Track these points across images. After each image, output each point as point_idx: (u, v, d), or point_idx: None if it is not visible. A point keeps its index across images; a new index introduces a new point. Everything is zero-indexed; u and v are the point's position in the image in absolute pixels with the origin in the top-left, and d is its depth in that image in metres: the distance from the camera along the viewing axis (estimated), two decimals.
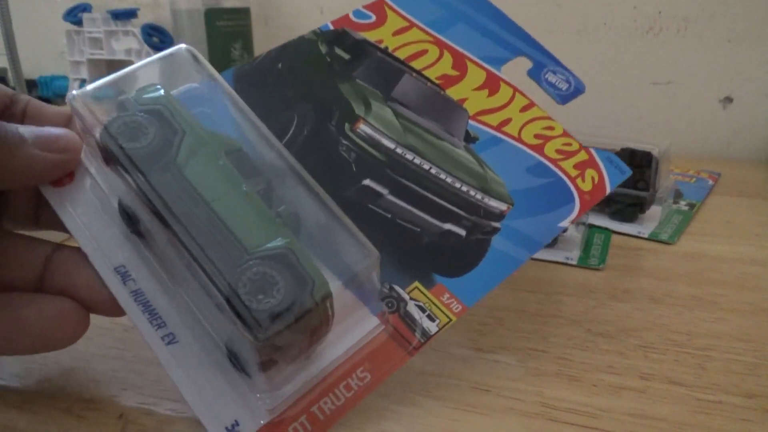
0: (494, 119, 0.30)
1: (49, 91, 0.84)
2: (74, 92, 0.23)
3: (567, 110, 0.63)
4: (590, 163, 0.29)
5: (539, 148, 0.30)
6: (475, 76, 0.31)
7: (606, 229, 0.42)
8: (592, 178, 0.29)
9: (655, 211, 0.44)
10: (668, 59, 0.62)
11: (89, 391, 0.24)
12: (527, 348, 0.28)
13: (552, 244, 0.39)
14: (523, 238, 0.27)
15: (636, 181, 0.43)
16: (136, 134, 0.21)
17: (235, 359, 0.21)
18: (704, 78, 0.62)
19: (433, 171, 0.27)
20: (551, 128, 0.30)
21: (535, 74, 0.33)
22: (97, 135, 0.22)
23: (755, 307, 0.32)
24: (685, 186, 0.52)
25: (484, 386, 0.25)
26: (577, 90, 0.32)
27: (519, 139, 0.30)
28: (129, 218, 0.23)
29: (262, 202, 0.21)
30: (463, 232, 0.27)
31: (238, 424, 0.20)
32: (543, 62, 0.33)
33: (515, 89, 0.31)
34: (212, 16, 0.60)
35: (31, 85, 0.82)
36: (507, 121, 0.30)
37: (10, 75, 0.60)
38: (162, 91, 0.23)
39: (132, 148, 0.21)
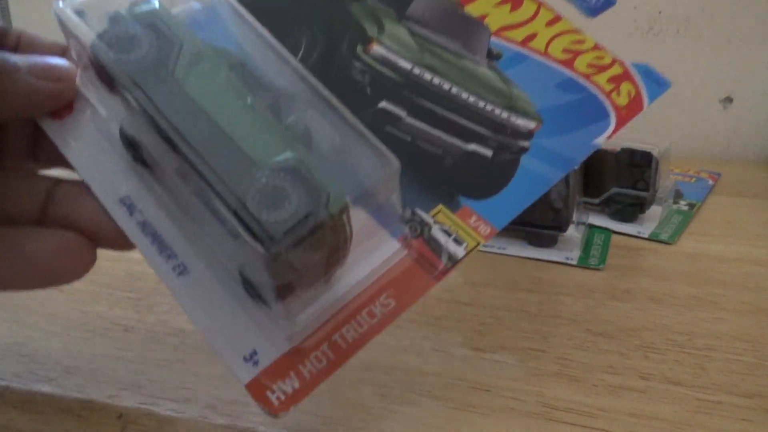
0: (518, 35, 0.28)
1: None
2: (60, 3, 0.21)
3: None
4: (625, 76, 0.28)
5: (568, 63, 0.28)
6: None
7: (606, 229, 0.42)
8: (629, 92, 0.27)
9: (655, 211, 0.44)
10: (668, 59, 0.62)
11: (89, 391, 0.24)
12: (527, 348, 0.28)
13: (552, 244, 0.39)
14: (555, 156, 0.25)
15: (636, 181, 0.43)
16: (129, 47, 0.20)
17: (250, 287, 0.20)
18: (704, 78, 0.62)
19: (453, 90, 0.26)
20: (581, 41, 0.28)
21: None
22: (89, 50, 0.20)
23: (755, 307, 0.32)
24: (685, 186, 0.52)
25: (484, 386, 0.25)
26: (608, 2, 0.30)
27: (546, 55, 0.28)
28: (131, 145, 0.22)
29: (270, 114, 0.20)
30: (489, 153, 0.25)
31: (256, 354, 0.20)
32: None
33: (540, 3, 0.29)
34: None
35: None
36: (532, 36, 0.28)
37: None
38: (157, 4, 0.22)
39: (126, 61, 0.20)
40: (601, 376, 0.26)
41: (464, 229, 0.23)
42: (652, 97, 0.27)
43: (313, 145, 0.21)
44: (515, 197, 0.24)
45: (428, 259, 0.22)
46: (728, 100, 0.63)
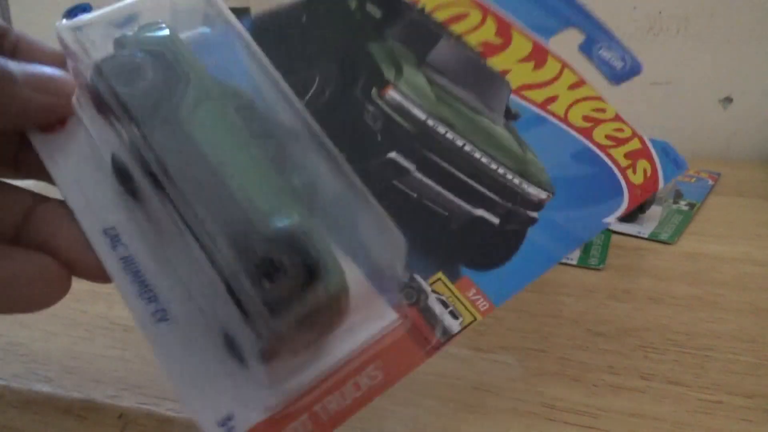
0: (539, 95, 0.27)
1: None
2: (64, 21, 0.20)
3: None
4: (643, 153, 0.27)
5: (587, 132, 0.27)
6: (521, 45, 0.28)
7: (606, 229, 0.42)
8: (644, 171, 0.26)
9: (655, 211, 0.44)
10: (668, 59, 0.62)
11: (89, 391, 0.24)
12: (527, 348, 0.28)
13: None
14: (563, 233, 0.24)
15: None
16: (133, 77, 0.19)
17: (232, 346, 0.19)
18: (704, 78, 0.62)
19: (467, 148, 0.25)
20: (602, 110, 0.27)
21: (586, 49, 0.29)
22: (88, 75, 0.19)
23: (755, 307, 0.32)
24: (685, 186, 0.52)
25: (484, 386, 0.25)
26: (633, 70, 0.29)
27: (565, 120, 0.27)
28: (122, 174, 0.21)
29: (273, 169, 0.18)
30: (496, 220, 0.25)
31: (231, 419, 0.18)
32: (596, 36, 0.29)
33: (564, 64, 0.28)
34: None
35: None
36: (553, 99, 0.27)
37: None
38: (168, 31, 0.20)
39: (127, 93, 0.18)
40: (601, 376, 0.26)
41: (462, 302, 0.22)
42: (668, 178, 0.26)
43: (316, 203, 0.19)
44: (518, 272, 0.23)
45: (422, 331, 0.21)
46: (728, 100, 0.63)
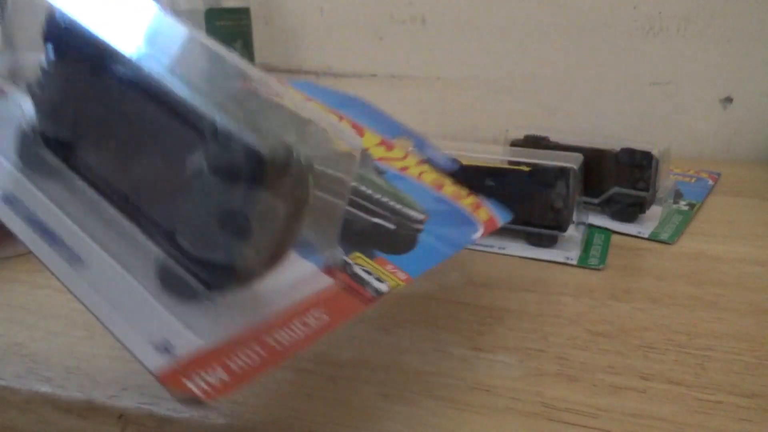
0: (395, 165, 0.34)
1: None
2: None
3: (567, 110, 0.63)
4: (480, 205, 0.33)
5: (438, 188, 0.34)
6: (372, 138, 0.36)
7: (606, 229, 0.42)
8: (485, 213, 0.33)
9: (655, 211, 0.44)
10: (668, 59, 0.62)
11: (89, 391, 0.24)
12: (527, 348, 0.28)
13: (552, 245, 0.39)
14: (446, 239, 0.29)
15: (636, 181, 0.43)
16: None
17: (171, 282, 0.19)
18: (704, 78, 0.62)
19: (361, 187, 0.29)
20: (444, 183, 0.34)
21: (419, 147, 0.38)
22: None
23: (755, 307, 0.32)
24: (685, 186, 0.52)
25: (484, 386, 0.25)
26: (453, 164, 0.38)
27: (419, 179, 0.34)
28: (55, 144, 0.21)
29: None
30: (392, 226, 0.28)
31: (171, 345, 0.18)
32: (421, 142, 0.39)
33: (407, 153, 0.36)
34: (212, 16, 0.60)
35: None
36: (406, 168, 0.34)
37: None
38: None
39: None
40: (601, 376, 0.26)
41: (383, 272, 0.25)
42: (504, 221, 0.33)
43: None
44: (424, 257, 0.27)
45: (355, 289, 0.23)
46: (728, 100, 0.63)
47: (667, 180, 0.46)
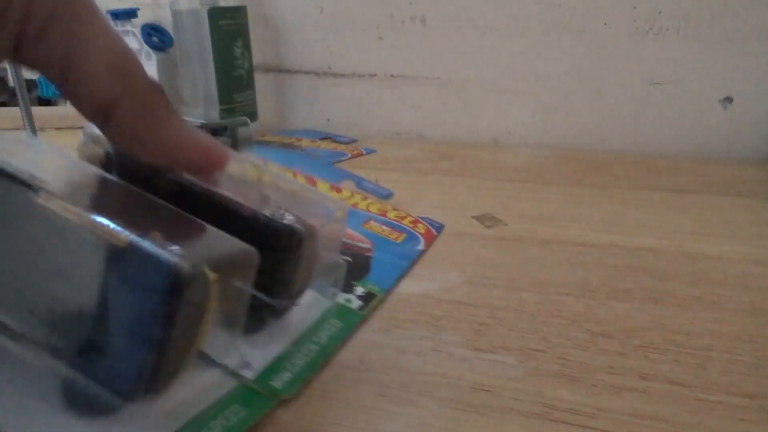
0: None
1: (49, 91, 0.84)
2: None
3: (566, 111, 0.63)
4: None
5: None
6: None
7: None
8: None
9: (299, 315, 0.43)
10: (668, 59, 0.62)
11: None
12: (527, 348, 0.28)
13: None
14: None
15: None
16: None
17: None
18: (704, 78, 0.62)
19: None
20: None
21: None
22: None
23: (755, 307, 0.32)
24: (392, 246, 0.54)
25: (484, 386, 0.25)
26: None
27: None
28: None
29: None
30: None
31: None
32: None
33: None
34: (215, 14, 0.60)
35: (32, 85, 0.82)
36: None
37: (10, 75, 0.60)
38: None
39: None
40: (601, 376, 0.26)
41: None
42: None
43: None
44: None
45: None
46: (728, 100, 0.63)
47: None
